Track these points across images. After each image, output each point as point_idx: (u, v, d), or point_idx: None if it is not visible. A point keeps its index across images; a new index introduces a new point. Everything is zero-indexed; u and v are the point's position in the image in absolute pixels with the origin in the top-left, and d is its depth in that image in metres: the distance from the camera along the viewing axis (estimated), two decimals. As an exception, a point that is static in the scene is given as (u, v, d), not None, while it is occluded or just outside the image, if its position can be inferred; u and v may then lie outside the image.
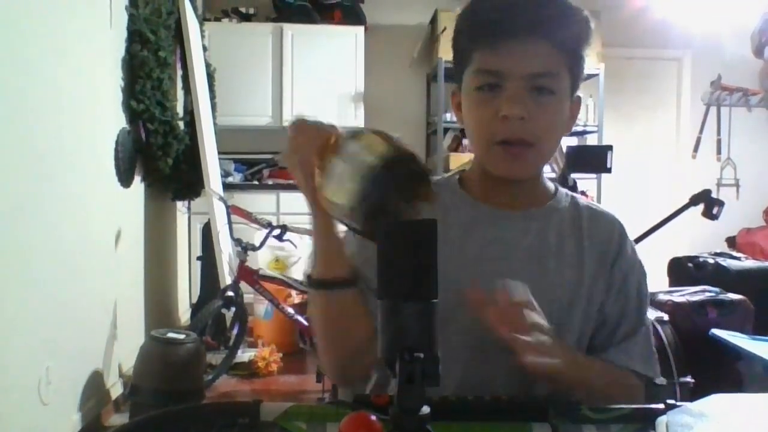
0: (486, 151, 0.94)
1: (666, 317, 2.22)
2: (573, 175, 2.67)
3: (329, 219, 0.83)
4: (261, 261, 4.15)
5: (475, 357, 0.93)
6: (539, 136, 0.92)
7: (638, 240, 2.47)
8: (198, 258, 4.44)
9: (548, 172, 2.90)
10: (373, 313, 0.85)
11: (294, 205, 5.00)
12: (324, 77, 5.25)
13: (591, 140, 5.40)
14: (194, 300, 4.54)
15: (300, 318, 3.61)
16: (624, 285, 0.98)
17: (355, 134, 0.76)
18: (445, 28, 5.02)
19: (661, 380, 2.00)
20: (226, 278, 3.71)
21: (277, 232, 3.55)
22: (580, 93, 0.99)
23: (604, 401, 0.84)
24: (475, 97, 0.93)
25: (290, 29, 5.25)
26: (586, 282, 0.96)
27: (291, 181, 5.18)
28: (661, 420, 0.66)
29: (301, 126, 0.82)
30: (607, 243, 0.99)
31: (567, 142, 4.42)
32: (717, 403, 0.70)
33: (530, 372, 0.81)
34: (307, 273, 0.90)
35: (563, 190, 1.05)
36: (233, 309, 3.61)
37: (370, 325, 0.88)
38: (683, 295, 2.36)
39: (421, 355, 0.56)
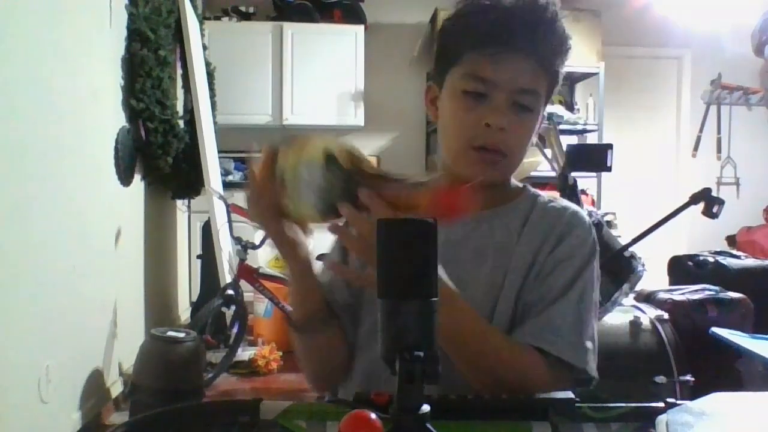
0: (461, 153, 0.97)
1: (666, 316, 2.22)
2: (573, 174, 2.67)
3: (305, 265, 0.91)
4: (261, 259, 4.15)
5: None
6: (513, 149, 0.97)
7: (638, 239, 2.47)
8: (198, 256, 4.45)
9: (549, 171, 2.90)
10: (348, 333, 0.99)
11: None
12: (324, 76, 5.25)
13: (591, 139, 5.40)
14: (194, 298, 4.54)
15: (300, 317, 3.60)
16: (553, 271, 0.94)
17: (283, 146, 0.82)
18: (445, 27, 5.01)
19: (660, 379, 2.01)
20: (226, 277, 3.71)
21: (277, 230, 3.55)
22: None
23: (490, 374, 0.86)
24: (461, 100, 0.96)
25: (290, 28, 5.25)
26: (514, 268, 0.95)
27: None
28: (661, 419, 0.66)
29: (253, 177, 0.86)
30: (548, 232, 0.98)
31: (567, 140, 4.42)
32: (717, 401, 0.69)
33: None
34: (289, 314, 0.97)
35: (532, 191, 1.06)
36: (233, 307, 3.62)
37: (345, 349, 1.00)
38: (683, 294, 2.37)
39: (421, 354, 0.56)
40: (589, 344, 0.92)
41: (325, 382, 1.05)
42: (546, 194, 1.07)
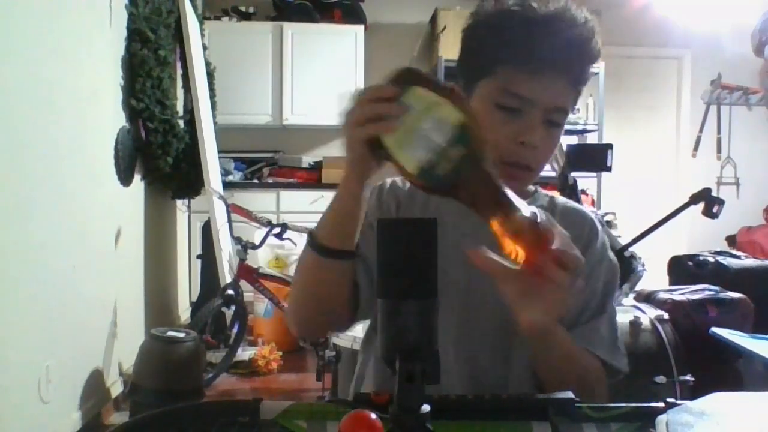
0: None
1: (666, 316, 2.21)
2: (573, 174, 2.67)
3: (364, 189, 0.85)
4: (261, 259, 4.15)
5: (461, 334, 0.96)
6: (541, 163, 0.99)
7: (638, 239, 2.47)
8: (198, 256, 4.45)
9: (548, 171, 2.91)
10: (359, 283, 0.94)
11: (294, 204, 5.01)
12: (324, 76, 5.26)
13: (591, 139, 5.41)
14: (194, 298, 4.55)
15: (300, 317, 3.61)
16: (590, 277, 0.98)
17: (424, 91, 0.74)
18: (445, 27, 5.02)
19: (660, 379, 2.01)
20: (226, 277, 3.71)
21: (276, 230, 3.56)
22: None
23: (562, 376, 0.88)
24: (494, 114, 0.94)
25: (290, 28, 5.25)
26: None
27: (291, 180, 5.23)
28: (661, 419, 0.66)
29: (367, 97, 0.78)
30: (577, 237, 0.99)
31: (567, 140, 4.42)
32: (717, 401, 0.69)
33: (525, 322, 0.78)
34: (312, 232, 0.90)
35: (543, 192, 1.08)
36: (233, 307, 3.62)
37: (349, 292, 0.94)
38: (683, 294, 2.36)
39: (421, 354, 0.56)
40: (622, 346, 1.00)
41: (313, 321, 0.99)
42: (556, 194, 1.10)
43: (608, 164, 2.70)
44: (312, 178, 5.28)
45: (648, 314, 2.22)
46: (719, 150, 5.94)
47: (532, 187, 1.09)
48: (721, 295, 2.34)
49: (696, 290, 2.39)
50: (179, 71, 4.14)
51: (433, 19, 5.34)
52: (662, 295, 2.38)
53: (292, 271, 4.25)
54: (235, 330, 3.63)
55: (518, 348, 0.96)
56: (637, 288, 2.55)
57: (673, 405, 0.70)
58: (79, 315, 2.67)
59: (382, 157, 0.77)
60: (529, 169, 0.97)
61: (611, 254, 1.04)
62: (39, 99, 2.36)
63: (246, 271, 3.60)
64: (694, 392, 1.99)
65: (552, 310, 0.77)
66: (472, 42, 0.98)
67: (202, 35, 4.58)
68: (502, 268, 0.74)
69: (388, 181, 1.05)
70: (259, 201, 4.86)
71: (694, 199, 2.50)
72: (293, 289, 0.98)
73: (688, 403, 0.69)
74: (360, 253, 0.94)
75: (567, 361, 0.90)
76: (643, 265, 2.60)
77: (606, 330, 0.98)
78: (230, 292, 3.53)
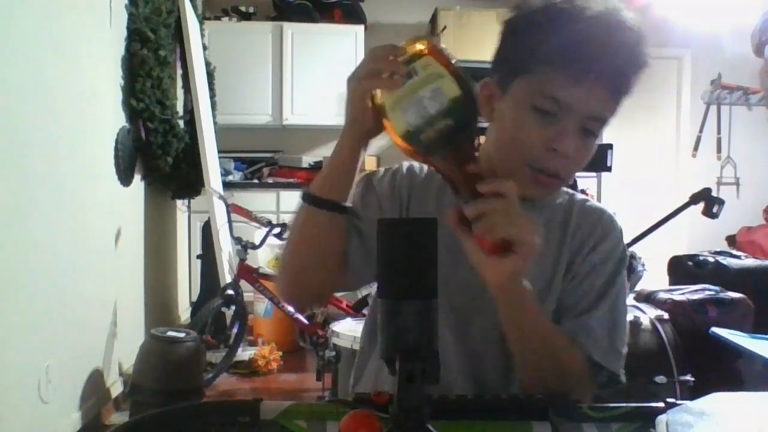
0: (517, 170, 0.91)
1: (666, 316, 2.22)
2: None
3: (361, 145, 0.88)
4: (261, 259, 4.14)
5: (463, 333, 0.95)
6: (571, 173, 0.94)
7: (638, 239, 2.47)
8: (198, 256, 4.45)
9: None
10: (349, 254, 0.94)
11: (294, 204, 4.98)
12: (324, 76, 5.25)
13: (591, 139, 5.40)
14: (194, 298, 4.55)
15: (300, 316, 3.61)
16: (589, 275, 0.96)
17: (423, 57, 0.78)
18: (445, 27, 5.02)
19: (660, 379, 2.01)
20: (226, 277, 3.71)
21: (277, 230, 3.56)
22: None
23: (541, 366, 0.86)
24: (528, 116, 0.89)
25: (290, 28, 5.25)
26: (559, 272, 0.96)
27: (291, 180, 5.22)
28: (661, 419, 0.66)
29: (379, 54, 0.81)
30: (588, 236, 0.98)
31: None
32: (717, 401, 0.69)
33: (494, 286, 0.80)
34: (306, 189, 0.93)
35: (563, 189, 1.04)
36: (233, 307, 3.62)
37: (341, 250, 0.95)
38: (683, 294, 2.37)
39: (422, 354, 0.56)
40: (621, 349, 0.95)
41: (301, 282, 0.98)
42: (580, 194, 1.07)
43: (608, 164, 2.70)
44: (312, 178, 5.22)
45: (648, 314, 2.22)
46: (719, 150, 5.93)
47: None
48: (721, 295, 2.34)
49: (696, 290, 2.40)
50: (179, 71, 4.14)
51: (433, 19, 5.34)
52: (662, 295, 2.38)
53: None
54: (235, 330, 3.63)
55: None
56: (637, 288, 2.55)
57: (673, 405, 0.70)
58: (79, 315, 2.67)
59: (379, 114, 0.80)
60: (558, 177, 0.92)
61: (622, 255, 0.99)
62: (39, 99, 2.36)
63: (246, 271, 3.60)
64: (694, 392, 1.99)
65: (513, 267, 0.77)
66: (513, 36, 0.92)
67: (202, 35, 4.58)
68: (467, 229, 0.76)
69: (405, 164, 1.03)
70: (259, 201, 4.86)
71: (694, 199, 2.50)
72: (284, 250, 0.98)
73: (688, 403, 0.69)
74: (357, 224, 0.95)
75: (540, 342, 0.86)
76: (643, 265, 2.60)
77: (601, 328, 0.93)
78: (230, 292, 3.53)
